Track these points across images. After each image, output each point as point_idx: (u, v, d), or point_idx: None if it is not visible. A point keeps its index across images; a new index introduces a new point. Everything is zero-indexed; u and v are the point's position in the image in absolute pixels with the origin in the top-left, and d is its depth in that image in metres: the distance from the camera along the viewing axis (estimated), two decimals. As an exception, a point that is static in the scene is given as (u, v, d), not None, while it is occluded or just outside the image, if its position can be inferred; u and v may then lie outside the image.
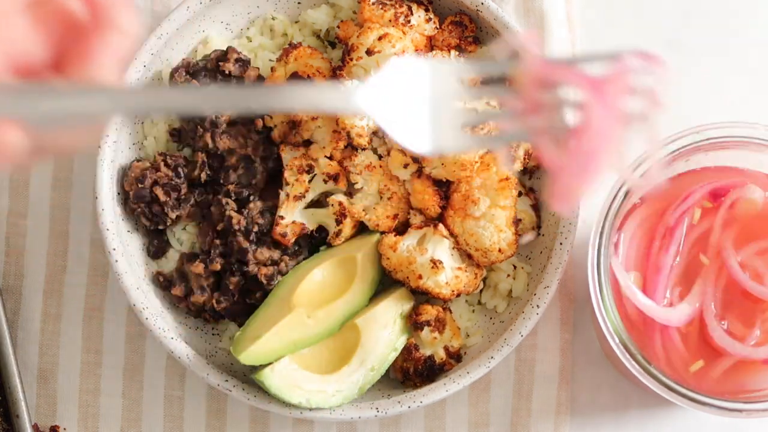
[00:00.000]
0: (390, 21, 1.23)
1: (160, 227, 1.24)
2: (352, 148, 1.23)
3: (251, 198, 1.24)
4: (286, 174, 1.23)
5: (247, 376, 1.23)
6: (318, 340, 1.20)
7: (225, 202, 1.23)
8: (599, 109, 0.87)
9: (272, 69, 1.25)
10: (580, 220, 1.23)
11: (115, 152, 1.24)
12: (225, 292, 1.22)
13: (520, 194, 1.25)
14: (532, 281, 1.24)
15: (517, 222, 1.21)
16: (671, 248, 1.15)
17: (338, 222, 1.22)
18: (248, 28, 1.29)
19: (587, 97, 0.88)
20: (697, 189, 1.16)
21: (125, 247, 1.23)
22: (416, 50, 1.24)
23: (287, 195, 1.22)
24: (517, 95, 0.91)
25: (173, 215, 1.23)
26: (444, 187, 1.22)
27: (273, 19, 1.28)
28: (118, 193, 1.24)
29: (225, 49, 1.25)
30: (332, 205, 1.22)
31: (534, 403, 1.27)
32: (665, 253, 1.15)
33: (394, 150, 1.21)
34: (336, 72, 1.23)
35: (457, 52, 1.23)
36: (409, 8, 1.24)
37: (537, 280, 1.22)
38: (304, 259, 1.24)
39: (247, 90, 1.01)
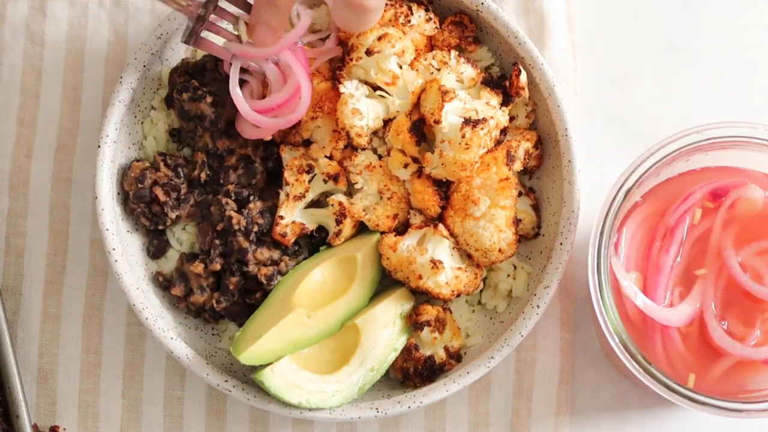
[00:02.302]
0: (390, 21, 1.23)
1: (160, 227, 1.24)
2: (352, 148, 1.23)
3: (251, 198, 1.24)
4: (286, 174, 1.23)
5: (247, 376, 1.23)
6: (318, 340, 1.20)
7: (225, 202, 1.23)
8: None
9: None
10: (580, 220, 1.23)
11: (115, 152, 1.23)
12: (225, 292, 1.22)
13: (520, 194, 1.25)
14: (532, 281, 1.24)
15: (517, 222, 1.21)
16: (672, 248, 1.15)
17: (338, 222, 1.22)
18: (248, 28, 1.29)
19: None
20: (697, 189, 1.16)
21: (125, 247, 1.23)
22: (416, 50, 1.24)
23: (287, 195, 1.22)
24: None
25: (173, 215, 1.23)
26: (444, 187, 1.22)
27: (273, 19, 1.28)
28: (118, 193, 1.24)
29: (225, 49, 1.25)
30: (332, 205, 1.22)
31: (534, 403, 1.27)
32: (666, 253, 1.15)
33: (394, 150, 1.21)
34: (336, 72, 1.23)
35: (457, 52, 1.23)
36: (409, 8, 1.24)
37: (537, 280, 1.22)
38: (304, 259, 1.24)
39: None
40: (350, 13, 1.11)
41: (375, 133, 1.23)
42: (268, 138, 1.21)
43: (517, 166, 1.22)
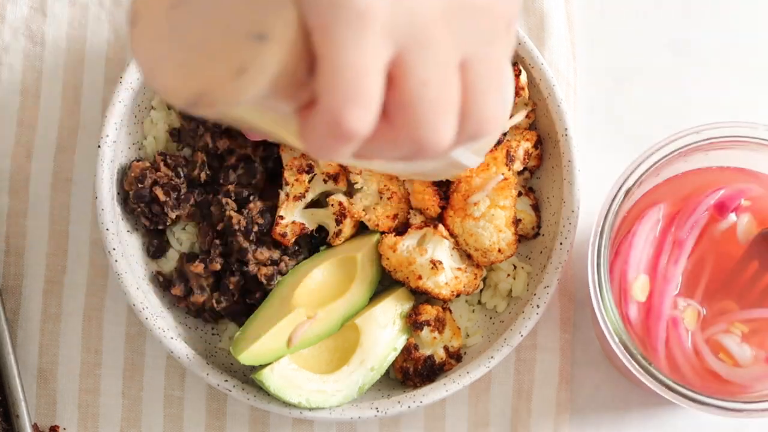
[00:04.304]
0: (390, 21, 1.23)
1: (160, 227, 1.24)
2: (352, 148, 1.23)
3: (251, 198, 1.24)
4: (286, 174, 1.23)
5: (247, 376, 1.23)
6: (318, 340, 1.20)
7: (225, 202, 1.23)
8: None
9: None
10: (580, 220, 1.23)
11: (115, 152, 1.24)
12: (225, 292, 1.22)
13: (520, 194, 1.25)
14: (532, 281, 1.24)
15: (516, 222, 1.21)
16: (680, 260, 1.15)
17: (338, 222, 1.22)
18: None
19: None
20: (703, 199, 1.15)
21: (125, 247, 1.23)
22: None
23: (287, 195, 1.22)
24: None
25: (173, 215, 1.23)
26: (444, 187, 1.22)
27: (273, 19, 1.28)
28: (118, 193, 1.24)
29: (225, 49, 1.25)
30: (332, 205, 1.22)
31: (534, 403, 1.27)
32: (674, 265, 1.14)
33: (394, 150, 1.21)
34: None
35: (457, 52, 1.23)
36: (409, 8, 1.24)
37: (537, 280, 1.22)
38: (304, 259, 1.24)
39: None
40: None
41: (375, 133, 1.23)
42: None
43: (517, 166, 1.22)
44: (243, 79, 0.70)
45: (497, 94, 0.77)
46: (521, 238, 1.25)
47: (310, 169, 1.22)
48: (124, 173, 1.25)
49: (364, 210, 1.22)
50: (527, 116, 1.26)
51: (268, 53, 0.69)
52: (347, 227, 1.22)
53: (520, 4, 0.76)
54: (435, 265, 1.19)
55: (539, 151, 1.26)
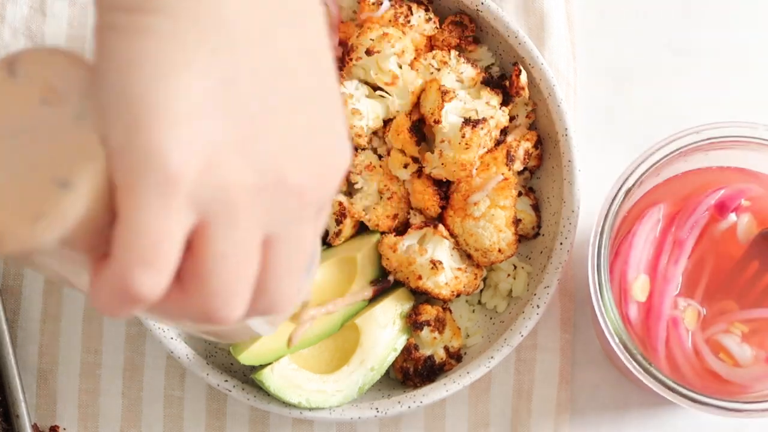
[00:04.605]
0: (390, 21, 1.23)
1: (160, 227, 1.24)
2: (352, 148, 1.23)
3: (251, 198, 1.23)
4: (286, 174, 1.22)
5: (247, 376, 1.23)
6: (318, 340, 1.20)
7: (225, 202, 1.22)
8: None
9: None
10: (580, 220, 1.23)
11: (115, 152, 1.23)
12: (225, 292, 1.22)
13: (520, 194, 1.25)
14: (532, 281, 1.24)
15: (516, 222, 1.21)
16: (680, 260, 1.15)
17: (338, 222, 1.22)
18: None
19: None
20: (703, 199, 1.15)
21: (125, 247, 1.23)
22: (416, 50, 1.24)
23: (287, 195, 1.22)
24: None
25: (173, 215, 1.23)
26: (444, 187, 1.22)
27: (273, 19, 1.28)
28: (118, 193, 1.24)
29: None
30: (332, 205, 1.22)
31: (534, 403, 1.27)
32: (674, 265, 1.15)
33: (394, 150, 1.21)
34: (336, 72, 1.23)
35: (457, 52, 1.23)
36: (409, 8, 1.24)
37: (537, 280, 1.22)
38: (304, 259, 1.24)
39: None
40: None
41: (375, 133, 1.23)
42: None
43: (517, 166, 1.22)
44: (38, 226, 0.66)
45: (295, 276, 0.76)
46: (521, 238, 1.25)
47: (310, 169, 1.22)
48: (124, 173, 1.25)
49: (364, 210, 1.22)
50: (527, 116, 1.26)
51: (68, 202, 0.66)
52: (347, 227, 1.22)
53: (335, 191, 0.76)
54: (435, 265, 1.19)
55: (539, 151, 1.26)
